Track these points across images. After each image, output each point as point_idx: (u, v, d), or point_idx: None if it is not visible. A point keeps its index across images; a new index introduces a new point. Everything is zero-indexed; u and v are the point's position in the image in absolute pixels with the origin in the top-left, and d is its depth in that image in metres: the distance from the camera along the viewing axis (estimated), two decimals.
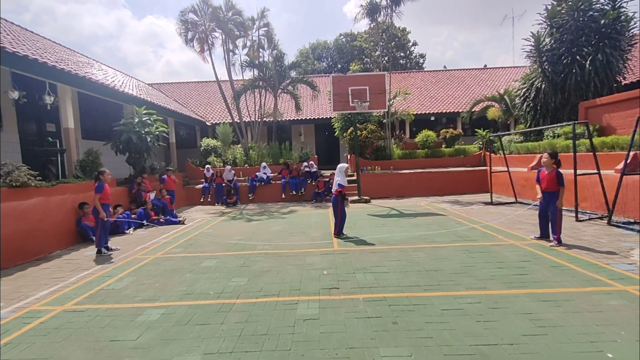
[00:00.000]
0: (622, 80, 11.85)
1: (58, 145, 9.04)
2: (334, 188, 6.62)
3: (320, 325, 3.13)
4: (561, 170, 5.52)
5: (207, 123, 19.48)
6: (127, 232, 8.15)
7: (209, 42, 15.40)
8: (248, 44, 16.16)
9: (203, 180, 13.32)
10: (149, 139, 10.12)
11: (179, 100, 22.02)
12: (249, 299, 3.83)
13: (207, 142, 16.22)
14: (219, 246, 6.40)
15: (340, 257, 5.33)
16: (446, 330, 2.95)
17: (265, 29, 15.90)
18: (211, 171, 13.17)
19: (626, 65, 11.50)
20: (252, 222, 8.82)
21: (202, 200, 12.90)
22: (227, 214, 10.34)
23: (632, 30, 11.15)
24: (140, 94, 13.56)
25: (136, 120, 10.09)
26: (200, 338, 2.98)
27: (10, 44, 7.57)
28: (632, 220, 6.80)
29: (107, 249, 6.27)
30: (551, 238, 5.59)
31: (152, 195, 9.79)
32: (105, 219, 6.11)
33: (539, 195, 5.69)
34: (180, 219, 9.39)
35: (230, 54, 15.78)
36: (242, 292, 4.04)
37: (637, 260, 4.57)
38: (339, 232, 6.65)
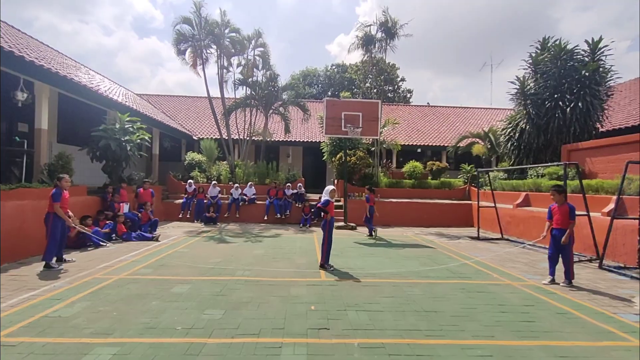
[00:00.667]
0: (600, 128, 12.45)
1: (26, 146, 8.24)
2: (319, 204, 6.13)
3: None
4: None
5: (194, 137, 18.89)
6: (107, 245, 7.34)
7: (203, 57, 15.22)
8: (243, 62, 16.07)
9: (184, 195, 12.57)
10: (129, 148, 9.47)
11: (167, 112, 21.42)
12: (224, 339, 3.21)
13: (191, 156, 15.58)
14: (193, 269, 5.71)
15: (329, 290, 4.78)
16: None
17: (261, 49, 15.90)
18: (193, 186, 12.47)
19: (604, 113, 12.11)
20: (232, 244, 8.14)
21: (180, 216, 12.10)
22: (205, 233, 9.59)
23: (609, 82, 11.81)
24: (126, 102, 12.97)
25: (117, 127, 9.46)
26: None
27: None
28: (622, 265, 6.68)
29: (60, 260, 5.49)
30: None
31: (125, 208, 8.98)
32: (71, 226, 5.48)
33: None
34: (154, 235, 8.59)
35: (224, 70, 15.62)
36: (215, 329, 3.41)
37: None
38: (325, 262, 6.03)
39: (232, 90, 16.19)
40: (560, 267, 5.35)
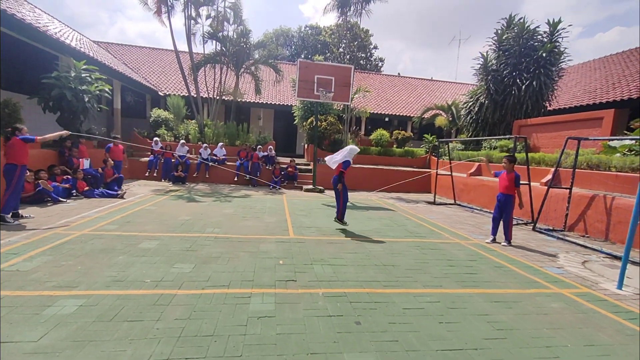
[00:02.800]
0: (548, 106, 13.39)
1: None
2: (336, 166, 6.12)
3: (277, 324, 2.77)
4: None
5: (160, 93, 17.69)
6: (66, 201, 7.04)
7: (169, 3, 13.84)
8: (212, 14, 14.85)
9: (149, 153, 12.03)
10: (86, 99, 8.75)
11: (129, 64, 19.64)
12: (194, 290, 3.34)
13: (157, 113, 14.70)
14: (162, 225, 5.68)
15: (297, 247, 5.01)
16: (410, 332, 2.78)
17: (233, 0, 14.71)
18: (160, 144, 11.91)
19: (554, 93, 12.97)
20: (202, 203, 8.10)
21: (147, 174, 11.66)
22: (173, 192, 9.41)
23: (561, 63, 12.52)
24: (81, 48, 11.71)
25: (73, 75, 8.63)
26: (127, 339, 2.44)
27: None
28: (551, 228, 7.59)
29: (17, 216, 5.25)
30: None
31: (86, 163, 8.48)
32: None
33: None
34: (118, 192, 8.29)
35: (192, 22, 14.36)
36: (185, 281, 3.52)
37: (562, 264, 4.98)
38: (342, 217, 6.28)
39: (200, 44, 15.08)
40: (501, 229, 5.96)
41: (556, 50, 12.06)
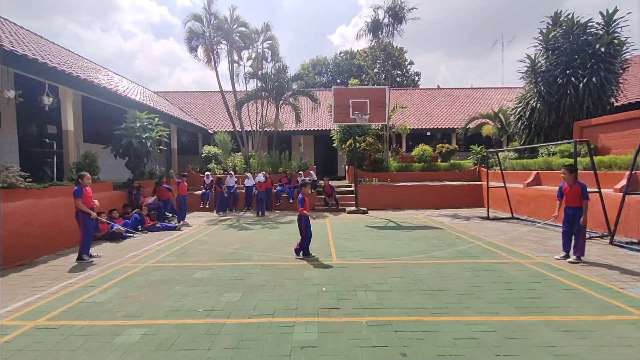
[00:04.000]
0: (615, 102, 12.01)
1: (55, 147, 8.82)
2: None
3: (320, 355, 2.77)
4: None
5: (209, 131, 19.37)
6: (134, 236, 7.91)
7: (215, 52, 15.43)
8: (252, 55, 16.20)
9: (202, 186, 13.06)
10: (149, 144, 9.92)
11: (183, 108, 22.00)
12: (241, 319, 3.48)
13: (208, 149, 16.06)
14: (213, 255, 6.06)
15: (340, 272, 4.99)
16: None
17: (270, 41, 15.93)
18: (210, 178, 12.91)
19: (619, 87, 11.64)
20: (249, 231, 8.49)
21: (201, 206, 12.62)
22: (224, 222, 10.01)
23: (624, 55, 11.29)
24: (144, 100, 13.45)
25: (137, 125, 9.91)
26: None
27: (11, 44, 7.44)
28: (634, 241, 6.54)
29: (89, 255, 5.95)
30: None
31: (150, 200, 9.52)
32: (95, 217, 5.98)
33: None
34: (176, 225, 9.08)
35: (235, 65, 15.80)
36: (234, 310, 3.70)
37: None
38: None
39: (243, 83, 16.43)
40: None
41: (616, 41, 10.96)
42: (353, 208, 11.77)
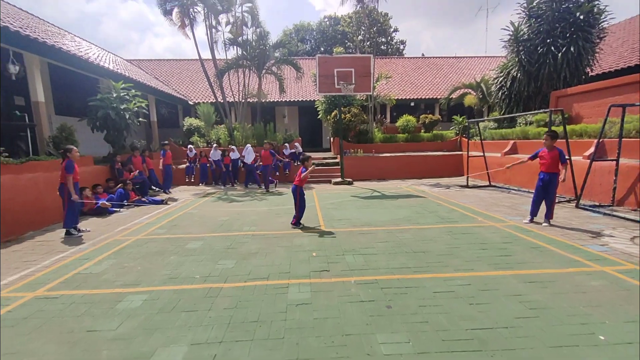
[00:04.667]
0: (590, 72, 12.34)
1: (27, 120, 8.38)
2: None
3: (314, 310, 3.03)
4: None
5: (190, 102, 18.70)
6: (120, 210, 7.85)
7: (190, 16, 14.51)
8: (231, 20, 15.34)
9: (186, 160, 12.87)
10: (127, 116, 9.56)
11: (159, 77, 20.92)
12: (238, 283, 3.69)
13: (189, 121, 15.62)
14: (204, 227, 6.19)
15: (329, 239, 5.25)
16: (441, 314, 2.91)
17: (249, 4, 15.07)
18: (194, 151, 12.71)
19: (595, 57, 11.91)
20: (238, 203, 8.60)
21: (186, 180, 12.52)
22: (212, 195, 10.04)
23: (602, 23, 11.47)
24: (118, 69, 12.71)
25: (114, 96, 9.47)
26: (187, 327, 2.82)
27: None
28: (597, 204, 7.13)
29: (77, 230, 5.94)
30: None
31: (136, 174, 9.38)
32: (78, 201, 5.78)
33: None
34: (162, 199, 9.05)
35: (213, 30, 14.97)
36: (229, 276, 3.89)
37: (607, 241, 4.74)
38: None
39: (223, 50, 15.70)
40: (541, 208, 5.77)
41: (595, 10, 11.11)
42: (339, 179, 12.01)
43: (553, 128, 9.26)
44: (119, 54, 20.47)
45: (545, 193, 5.67)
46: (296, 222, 6.09)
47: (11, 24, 7.66)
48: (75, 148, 5.94)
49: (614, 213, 6.27)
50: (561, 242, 4.75)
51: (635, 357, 2.30)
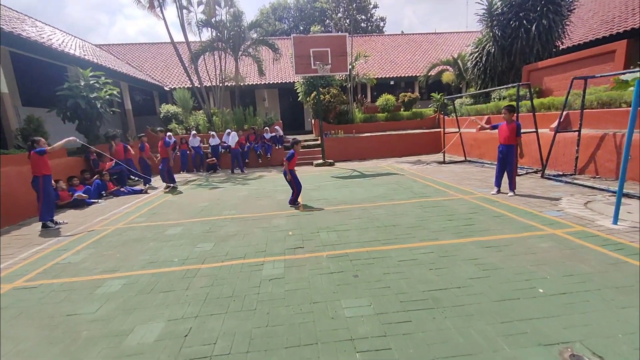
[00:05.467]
0: (560, 45, 12.62)
1: None
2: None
3: (285, 283, 3.23)
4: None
5: (165, 88, 18.14)
6: (98, 201, 7.81)
7: None
8: (204, 0, 14.73)
9: None
10: (99, 105, 9.30)
11: (132, 63, 20.10)
12: (215, 263, 3.85)
13: (166, 108, 15.23)
14: (183, 213, 6.26)
15: (305, 218, 5.44)
16: (402, 279, 3.17)
17: None
18: (173, 138, 12.48)
19: (565, 30, 12.16)
20: (219, 189, 8.66)
21: None
22: (192, 182, 10.03)
23: None
24: (85, 55, 12.17)
25: (82, 84, 9.15)
26: (164, 305, 2.98)
27: None
28: (561, 173, 7.57)
29: (54, 222, 5.92)
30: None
31: (112, 164, 9.20)
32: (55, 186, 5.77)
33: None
34: (142, 188, 8.99)
35: (185, 11, 14.41)
36: (207, 257, 4.04)
37: (563, 207, 5.13)
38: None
39: (196, 33, 15.16)
40: (506, 180, 6.10)
41: None
42: (320, 161, 12.14)
43: (524, 102, 9.65)
44: (89, 39, 19.46)
45: (505, 164, 5.99)
46: (293, 201, 6.30)
47: None
48: (42, 139, 5.83)
49: (575, 181, 6.68)
50: (522, 210, 5.09)
51: (567, 305, 2.60)
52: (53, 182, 6.23)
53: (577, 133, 7.39)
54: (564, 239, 3.91)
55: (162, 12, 14.24)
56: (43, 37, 10.34)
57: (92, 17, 76.23)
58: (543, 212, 4.93)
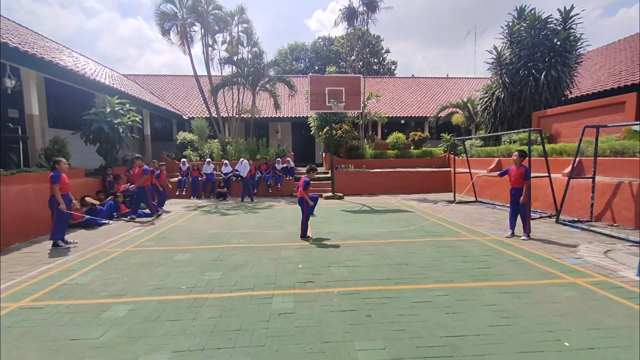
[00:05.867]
0: (569, 94, 13.04)
1: (20, 132, 8.46)
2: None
3: (295, 319, 3.12)
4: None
5: (184, 117, 18.93)
6: (109, 223, 7.85)
7: (188, 35, 14.96)
8: (227, 39, 15.86)
9: (179, 173, 12.95)
10: (121, 130, 9.70)
11: (155, 92, 21.23)
12: (223, 294, 3.76)
13: (183, 135, 15.79)
14: (193, 239, 6.23)
15: (315, 251, 5.35)
16: (417, 322, 3.03)
17: (245, 25, 15.68)
18: (187, 164, 12.82)
19: (573, 80, 12.63)
20: (228, 217, 8.66)
21: (177, 193, 12.54)
22: (202, 208, 10.09)
23: (579, 50, 12.25)
24: (113, 83, 12.94)
25: (108, 110, 9.63)
26: (170, 335, 2.88)
27: None
28: (576, 219, 7.41)
29: (64, 241, 5.94)
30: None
31: (127, 186, 9.39)
32: (65, 211, 5.80)
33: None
34: (154, 214, 9.04)
35: (210, 48, 15.44)
36: (215, 286, 3.96)
37: (582, 255, 4.94)
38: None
39: (218, 68, 16.12)
40: (520, 222, 5.99)
41: (572, 37, 11.84)
42: (330, 193, 12.17)
43: (535, 147, 9.73)
44: (117, 69, 20.79)
45: (518, 207, 5.92)
46: (303, 234, 6.25)
47: (10, 40, 7.86)
48: (63, 160, 6.03)
49: (592, 228, 6.51)
50: (538, 256, 4.93)
51: None
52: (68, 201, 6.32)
53: (591, 180, 7.33)
54: (586, 288, 3.74)
55: (189, 49, 15.26)
56: (78, 66, 11.08)
57: (123, 50, 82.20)
58: (561, 258, 4.77)
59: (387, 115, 17.92)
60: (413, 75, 30.10)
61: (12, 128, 8.35)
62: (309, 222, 6.47)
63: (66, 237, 6.19)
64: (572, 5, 11.72)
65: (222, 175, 12.73)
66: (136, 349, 2.67)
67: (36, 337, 2.88)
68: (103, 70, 15.15)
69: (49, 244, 5.97)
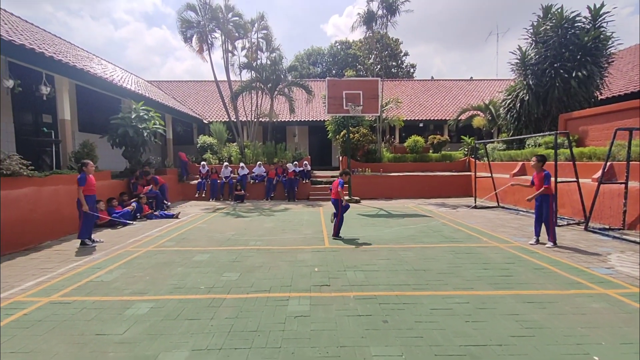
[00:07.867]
0: (599, 96, 12.43)
1: (53, 136, 8.94)
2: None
3: (311, 322, 3.12)
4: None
5: (204, 121, 19.43)
6: (132, 223, 8.14)
7: (209, 42, 15.43)
8: (247, 45, 16.22)
9: (198, 176, 13.29)
10: (145, 134, 10.07)
11: (177, 98, 21.95)
12: (240, 294, 3.81)
13: (203, 139, 16.20)
14: (211, 241, 6.37)
15: (331, 255, 5.34)
16: (436, 330, 2.96)
17: (264, 31, 15.97)
18: (206, 167, 13.13)
19: (604, 81, 12.04)
20: (245, 219, 8.79)
21: (197, 195, 12.87)
22: (220, 210, 10.29)
23: (610, 49, 11.67)
24: (139, 90, 13.48)
25: (133, 115, 10.03)
26: (189, 333, 2.95)
27: (7, 33, 7.49)
28: (607, 227, 7.01)
29: (91, 240, 6.20)
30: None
31: (148, 189, 9.76)
32: (88, 212, 6.04)
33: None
34: (174, 213, 9.33)
35: (229, 54, 15.86)
36: (233, 287, 4.02)
37: (613, 264, 4.66)
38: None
39: (238, 73, 16.49)
40: (545, 230, 5.75)
41: (602, 36, 11.32)
42: (347, 197, 12.11)
43: (562, 150, 9.32)
44: (142, 76, 21.66)
45: (542, 213, 5.70)
46: (336, 233, 6.40)
47: (46, 49, 8.36)
48: (90, 162, 6.31)
49: (624, 237, 6.16)
50: (565, 264, 4.71)
51: None
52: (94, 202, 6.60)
53: (623, 185, 6.95)
54: (617, 300, 3.54)
55: (209, 55, 15.74)
56: (106, 74, 11.63)
57: (147, 59, 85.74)
58: (590, 268, 4.54)
59: (405, 119, 17.70)
60: (432, 77, 29.65)
61: (46, 132, 8.85)
62: (337, 225, 6.53)
63: (93, 236, 6.47)
64: (603, 2, 11.21)
65: (237, 176, 12.96)
66: (157, 346, 2.75)
67: (65, 331, 3.02)
68: (129, 77, 15.81)
69: (77, 242, 6.26)
